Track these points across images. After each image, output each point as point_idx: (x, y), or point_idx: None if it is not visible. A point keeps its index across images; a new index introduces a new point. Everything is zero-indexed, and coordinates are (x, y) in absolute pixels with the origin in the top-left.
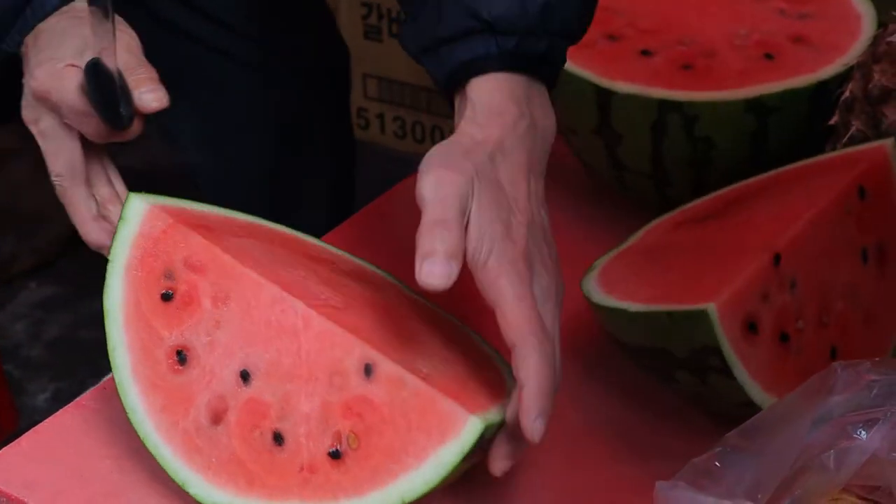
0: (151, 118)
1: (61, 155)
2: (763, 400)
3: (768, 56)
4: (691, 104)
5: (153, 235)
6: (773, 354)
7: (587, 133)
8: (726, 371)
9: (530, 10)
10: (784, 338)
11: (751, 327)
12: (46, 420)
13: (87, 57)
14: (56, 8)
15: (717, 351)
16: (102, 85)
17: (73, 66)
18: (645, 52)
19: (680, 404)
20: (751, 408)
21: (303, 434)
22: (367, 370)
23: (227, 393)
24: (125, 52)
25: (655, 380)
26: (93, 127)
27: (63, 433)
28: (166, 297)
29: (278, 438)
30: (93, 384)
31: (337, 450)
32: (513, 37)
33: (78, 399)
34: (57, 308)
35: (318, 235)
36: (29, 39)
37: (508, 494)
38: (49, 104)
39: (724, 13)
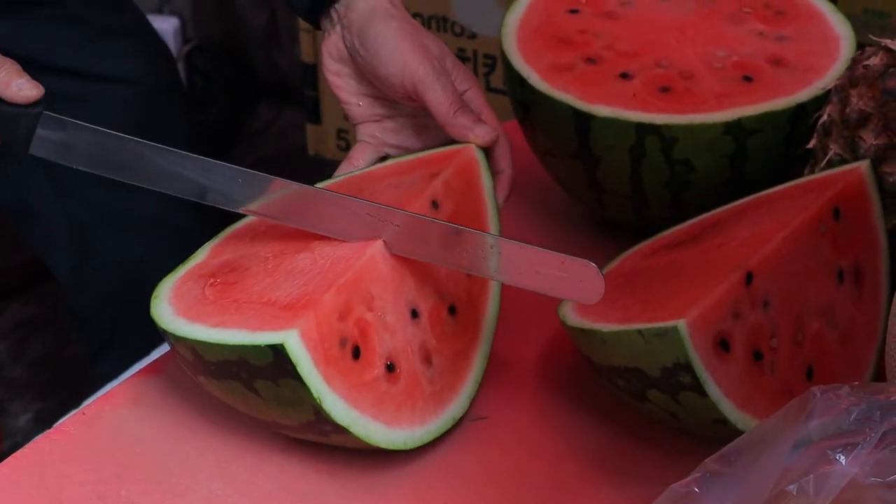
0: None
1: None
2: (737, 418)
3: (747, 78)
4: (669, 127)
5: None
6: (747, 372)
7: (566, 156)
8: (698, 388)
9: None
10: (758, 356)
11: (722, 345)
12: (26, 446)
13: None
14: None
15: (689, 368)
16: None
17: None
18: (624, 75)
19: (657, 428)
20: (724, 425)
21: None
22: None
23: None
24: None
25: (631, 403)
26: None
27: (43, 459)
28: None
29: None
30: (74, 405)
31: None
32: None
33: (58, 424)
34: (39, 328)
35: None
36: None
37: None
38: None
39: (702, 35)
